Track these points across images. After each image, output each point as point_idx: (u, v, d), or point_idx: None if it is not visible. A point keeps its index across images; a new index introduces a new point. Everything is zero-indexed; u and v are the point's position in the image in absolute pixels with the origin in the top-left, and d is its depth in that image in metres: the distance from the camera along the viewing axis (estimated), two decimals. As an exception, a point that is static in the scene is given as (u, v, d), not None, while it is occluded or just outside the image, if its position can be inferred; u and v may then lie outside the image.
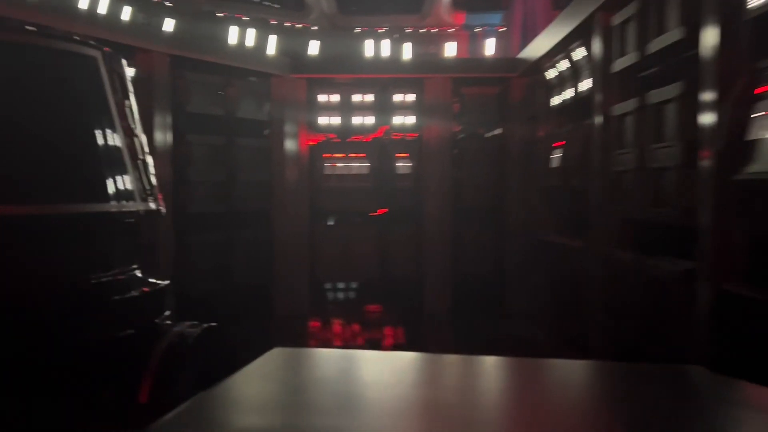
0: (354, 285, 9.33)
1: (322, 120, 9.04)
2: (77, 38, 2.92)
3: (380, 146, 9.18)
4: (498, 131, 9.00)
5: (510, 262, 8.68)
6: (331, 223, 9.23)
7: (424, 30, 11.02)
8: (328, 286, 9.20)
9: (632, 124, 4.62)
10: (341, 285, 9.31)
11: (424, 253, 8.92)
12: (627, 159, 4.63)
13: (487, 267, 8.84)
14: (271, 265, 8.62)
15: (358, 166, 9.11)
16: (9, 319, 2.43)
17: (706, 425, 1.74)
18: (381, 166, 9.12)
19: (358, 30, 10.82)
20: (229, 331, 3.11)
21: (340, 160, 9.11)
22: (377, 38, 10.25)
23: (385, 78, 8.98)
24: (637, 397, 1.92)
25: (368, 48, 9.88)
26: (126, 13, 8.18)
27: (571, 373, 2.28)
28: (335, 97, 9.04)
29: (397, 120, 9.07)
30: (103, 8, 7.74)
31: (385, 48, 9.98)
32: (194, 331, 2.89)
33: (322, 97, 9.02)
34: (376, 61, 9.08)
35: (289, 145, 8.80)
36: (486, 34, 10.36)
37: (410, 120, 9.06)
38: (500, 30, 10.87)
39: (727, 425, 1.75)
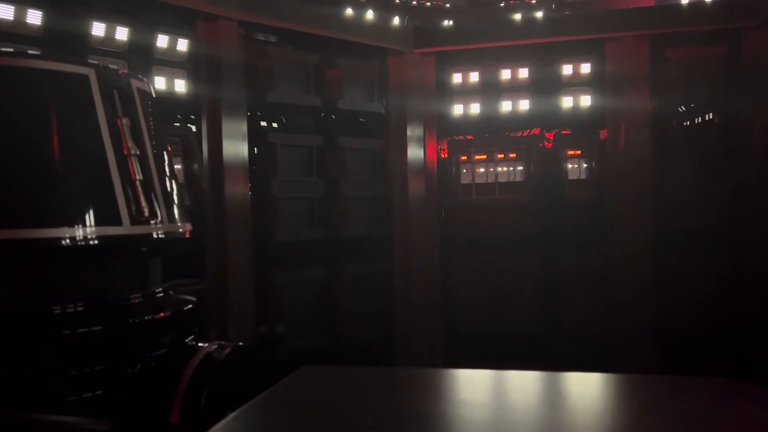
0: (507, 338, 6.60)
1: (457, 109, 6.50)
2: (68, 58, 2.80)
3: (540, 141, 6.46)
4: (726, 112, 5.93)
5: (752, 315, 5.58)
6: (471, 251, 6.58)
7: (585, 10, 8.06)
8: (469, 340, 6.53)
9: None
10: (489, 338, 6.60)
11: (611, 296, 6.06)
12: None
13: (713, 321, 5.79)
14: (389, 312, 6.20)
15: (509, 170, 6.45)
16: (40, 336, 2.46)
17: None
18: (542, 170, 6.39)
19: (503, 4, 8.08)
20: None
21: (482, 163, 6.50)
22: (529, 10, 7.43)
23: (545, 43, 6.25)
24: (671, 409, 1.93)
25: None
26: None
27: (592, 385, 2.31)
28: (474, 77, 6.46)
29: (566, 102, 6.29)
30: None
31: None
32: (224, 351, 2.87)
33: (456, 77, 6.48)
34: (532, 22, 6.37)
35: (413, 145, 6.36)
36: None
37: (584, 101, 6.25)
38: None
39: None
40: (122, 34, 4.46)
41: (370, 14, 6.16)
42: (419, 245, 6.36)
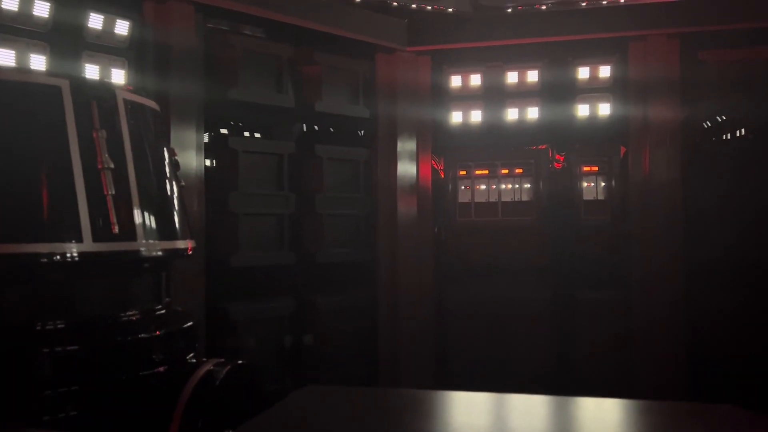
0: (512, 383, 5.64)
1: (456, 116, 5.64)
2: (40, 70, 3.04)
3: (551, 154, 5.59)
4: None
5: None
6: (469, 281, 5.66)
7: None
8: (468, 386, 5.59)
9: None
10: (491, 384, 5.64)
11: (634, 336, 5.14)
12: None
13: (750, 362, 4.87)
14: (372, 354, 5.28)
15: (514, 188, 5.58)
16: (35, 353, 2.44)
17: None
18: (553, 189, 5.51)
19: (510, 10, 7.22)
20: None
21: (483, 179, 5.63)
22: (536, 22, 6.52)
23: (558, 41, 5.41)
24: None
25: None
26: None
27: (599, 410, 2.33)
28: (476, 79, 5.61)
29: (581, 111, 5.43)
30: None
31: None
32: (224, 369, 2.83)
33: (455, 80, 5.63)
34: (543, 17, 5.51)
35: (403, 156, 5.50)
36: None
37: (603, 109, 5.39)
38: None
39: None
40: (42, 9, 3.61)
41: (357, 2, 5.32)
42: (409, 274, 5.46)
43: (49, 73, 2.82)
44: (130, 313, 2.74)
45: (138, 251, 2.69)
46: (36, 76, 2.73)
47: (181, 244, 2.95)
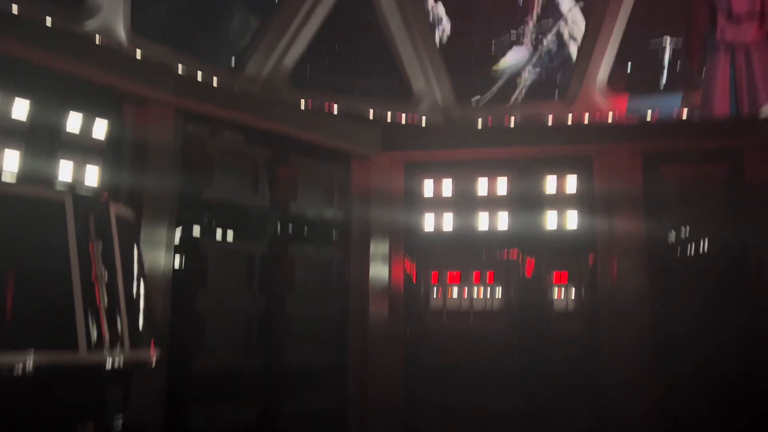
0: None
1: (428, 221, 5.73)
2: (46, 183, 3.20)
3: (521, 261, 5.66)
4: (727, 241, 5.23)
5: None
6: (441, 387, 5.51)
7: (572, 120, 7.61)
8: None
9: None
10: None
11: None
12: None
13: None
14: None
15: (485, 295, 5.59)
16: None
17: None
18: (524, 296, 5.53)
19: (480, 122, 7.60)
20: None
21: (455, 284, 5.64)
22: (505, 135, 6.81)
23: (526, 153, 5.63)
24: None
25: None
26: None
27: None
28: (447, 185, 5.76)
29: (550, 220, 5.57)
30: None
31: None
32: None
33: (427, 186, 5.77)
34: (513, 129, 5.77)
35: (376, 259, 5.51)
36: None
37: (570, 220, 5.54)
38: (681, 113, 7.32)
39: None
40: (21, 108, 3.66)
41: (334, 111, 5.54)
42: (379, 379, 5.31)
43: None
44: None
45: (102, 363, 2.66)
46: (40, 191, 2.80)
47: (145, 353, 2.93)
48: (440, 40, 10.12)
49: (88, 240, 2.69)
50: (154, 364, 3.00)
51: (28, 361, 2.42)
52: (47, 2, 4.71)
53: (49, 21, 4.20)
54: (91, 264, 2.67)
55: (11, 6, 4.16)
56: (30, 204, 2.61)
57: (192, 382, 4.29)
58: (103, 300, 2.66)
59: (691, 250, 5.40)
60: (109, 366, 2.67)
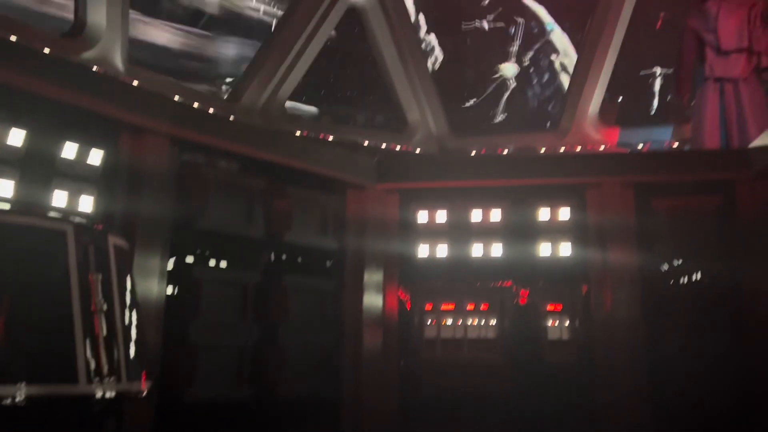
0: None
1: (423, 251, 5.73)
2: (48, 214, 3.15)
3: (515, 291, 5.65)
4: (719, 273, 5.24)
5: None
6: (435, 419, 5.44)
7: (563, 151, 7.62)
8: None
9: None
10: None
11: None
12: None
13: None
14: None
15: (480, 325, 5.56)
16: None
17: None
18: (518, 325, 5.51)
19: (474, 153, 7.60)
20: None
21: (449, 314, 5.62)
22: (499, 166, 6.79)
23: (519, 184, 5.66)
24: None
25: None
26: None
27: None
28: (442, 216, 5.77)
29: (543, 250, 5.58)
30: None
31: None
32: None
33: (422, 216, 5.78)
34: (507, 160, 5.81)
35: (370, 289, 5.49)
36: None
37: (564, 250, 5.55)
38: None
39: None
40: (17, 137, 3.66)
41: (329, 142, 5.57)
42: (373, 410, 5.25)
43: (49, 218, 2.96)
44: None
45: (99, 394, 2.69)
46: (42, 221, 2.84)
47: (137, 383, 2.96)
48: (432, 67, 10.37)
49: (88, 271, 2.72)
50: (145, 394, 3.00)
51: (22, 392, 2.45)
52: (46, 31, 4.76)
53: (47, 50, 4.23)
54: (90, 295, 2.69)
55: (9, 35, 4.20)
56: (30, 233, 2.63)
57: (183, 412, 4.22)
58: (102, 331, 2.69)
59: (683, 280, 5.41)
60: (104, 396, 2.70)
